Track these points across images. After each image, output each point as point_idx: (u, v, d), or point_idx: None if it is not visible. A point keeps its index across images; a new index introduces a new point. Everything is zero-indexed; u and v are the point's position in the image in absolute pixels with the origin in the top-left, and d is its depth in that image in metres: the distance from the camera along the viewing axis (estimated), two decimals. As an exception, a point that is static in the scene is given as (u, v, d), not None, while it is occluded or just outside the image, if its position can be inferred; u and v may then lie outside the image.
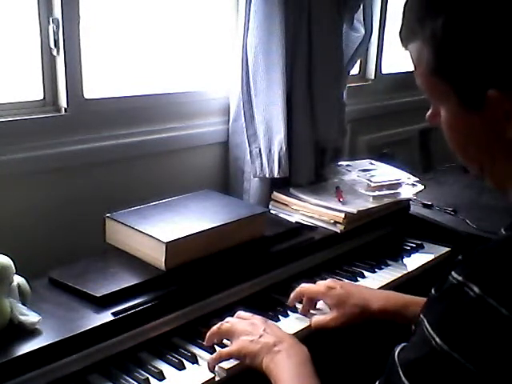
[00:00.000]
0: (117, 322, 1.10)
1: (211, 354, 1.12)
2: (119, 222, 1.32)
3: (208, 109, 1.76)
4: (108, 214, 1.34)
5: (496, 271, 0.68)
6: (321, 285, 1.27)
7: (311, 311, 1.28)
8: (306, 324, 1.25)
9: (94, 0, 1.49)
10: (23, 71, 1.43)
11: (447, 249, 1.69)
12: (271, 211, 1.66)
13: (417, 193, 1.77)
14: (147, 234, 1.25)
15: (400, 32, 0.81)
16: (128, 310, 1.12)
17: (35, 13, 1.38)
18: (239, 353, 1.06)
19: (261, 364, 1.02)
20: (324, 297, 1.25)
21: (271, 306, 1.32)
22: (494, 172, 0.80)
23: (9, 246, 1.10)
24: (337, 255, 1.56)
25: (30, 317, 1.05)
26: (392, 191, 1.71)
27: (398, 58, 2.44)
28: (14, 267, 1.06)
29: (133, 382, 1.05)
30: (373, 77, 2.38)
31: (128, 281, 1.19)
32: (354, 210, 1.57)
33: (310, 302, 1.28)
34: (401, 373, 0.73)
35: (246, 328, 1.09)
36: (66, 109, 1.44)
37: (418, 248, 1.70)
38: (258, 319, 1.12)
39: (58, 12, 1.38)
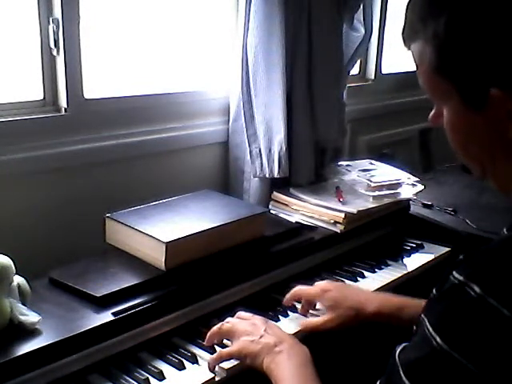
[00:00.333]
0: (117, 321, 1.10)
1: (211, 354, 1.12)
2: (119, 222, 1.31)
3: (208, 109, 1.76)
4: (108, 214, 1.34)
5: (497, 271, 0.68)
6: (316, 287, 1.27)
7: (310, 311, 1.28)
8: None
9: (94, 0, 1.49)
10: (23, 71, 1.43)
11: (447, 249, 1.69)
12: (271, 211, 1.66)
13: (417, 193, 1.77)
14: (147, 234, 1.25)
15: (402, 32, 0.81)
16: (128, 310, 1.12)
17: (35, 13, 1.38)
18: (240, 353, 1.06)
19: (261, 364, 1.02)
20: (319, 299, 1.25)
21: (271, 306, 1.31)
22: (495, 173, 0.80)
23: (9, 246, 1.10)
24: (337, 255, 1.56)
25: (30, 317, 1.05)
26: (392, 191, 1.71)
27: (398, 58, 2.45)
28: (13, 267, 1.06)
29: (133, 382, 1.05)
30: (373, 77, 2.38)
31: (128, 281, 1.19)
32: (354, 210, 1.57)
33: (309, 303, 1.28)
34: (401, 373, 0.73)
35: (246, 328, 1.09)
36: (65, 109, 1.44)
37: (418, 248, 1.70)
38: (258, 319, 1.12)
39: (58, 12, 1.38)
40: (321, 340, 1.22)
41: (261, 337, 1.06)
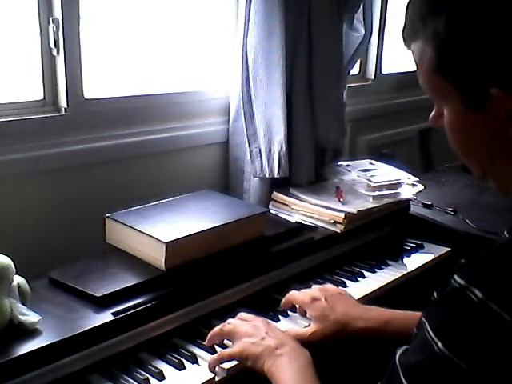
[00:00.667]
0: (117, 321, 1.10)
1: (211, 354, 1.12)
2: (119, 222, 1.31)
3: (208, 109, 1.76)
4: (108, 214, 1.34)
5: (499, 276, 0.68)
6: (306, 295, 1.25)
7: (306, 315, 1.27)
8: (306, 324, 1.25)
9: (94, 0, 1.49)
10: (23, 71, 1.43)
11: (447, 249, 1.69)
12: (271, 211, 1.66)
13: (417, 193, 1.77)
14: (147, 234, 1.25)
15: (403, 31, 0.81)
16: (128, 309, 1.12)
17: (35, 13, 1.38)
18: (241, 354, 1.06)
19: (262, 367, 1.02)
20: (307, 308, 1.23)
21: (271, 306, 1.31)
22: (496, 173, 0.79)
23: (9, 246, 1.10)
24: (337, 255, 1.56)
25: (30, 317, 1.05)
26: (392, 191, 1.71)
27: (397, 58, 2.45)
28: (13, 267, 1.06)
29: (133, 382, 1.05)
30: (373, 77, 2.38)
31: (128, 281, 1.19)
32: (354, 210, 1.57)
33: (301, 309, 1.27)
34: (402, 376, 0.72)
35: (248, 330, 1.09)
36: (66, 109, 1.44)
37: (418, 248, 1.70)
38: (260, 321, 1.12)
39: (58, 12, 1.38)
40: (321, 343, 1.21)
41: (262, 339, 1.05)
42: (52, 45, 1.40)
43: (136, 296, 1.16)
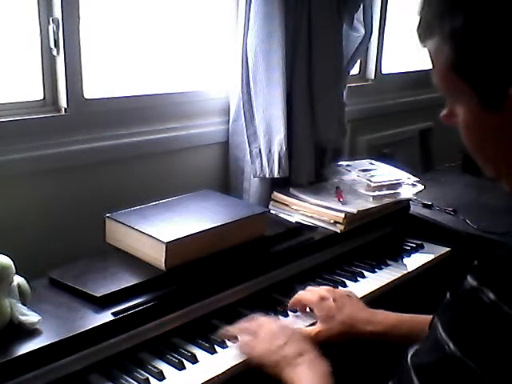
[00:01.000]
0: (117, 321, 1.10)
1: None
2: (119, 222, 1.31)
3: (208, 109, 1.76)
4: (108, 214, 1.34)
5: (511, 278, 0.67)
6: (315, 293, 1.25)
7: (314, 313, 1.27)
8: (306, 324, 1.25)
9: (94, 0, 1.49)
10: (23, 71, 1.43)
11: (447, 249, 1.69)
12: (271, 211, 1.66)
13: (417, 193, 1.77)
14: (147, 234, 1.25)
15: (418, 28, 0.77)
16: (128, 309, 1.12)
17: (35, 13, 1.38)
18: (259, 359, 1.07)
19: (280, 374, 1.03)
20: (315, 306, 1.24)
21: (271, 306, 1.32)
22: (510, 175, 0.77)
23: (9, 246, 1.10)
24: (337, 255, 1.56)
25: (30, 317, 1.05)
26: (392, 191, 1.71)
27: (397, 58, 2.45)
28: (13, 267, 1.06)
29: (133, 382, 1.05)
30: (373, 77, 2.38)
31: (128, 281, 1.19)
32: (354, 210, 1.57)
33: (307, 308, 1.28)
34: (413, 376, 0.72)
35: (270, 334, 1.10)
36: (65, 109, 1.44)
37: (418, 248, 1.70)
38: (286, 328, 1.13)
39: (58, 12, 1.38)
40: (331, 344, 1.20)
41: (282, 347, 1.06)
42: (52, 45, 1.40)
43: (136, 296, 1.16)
